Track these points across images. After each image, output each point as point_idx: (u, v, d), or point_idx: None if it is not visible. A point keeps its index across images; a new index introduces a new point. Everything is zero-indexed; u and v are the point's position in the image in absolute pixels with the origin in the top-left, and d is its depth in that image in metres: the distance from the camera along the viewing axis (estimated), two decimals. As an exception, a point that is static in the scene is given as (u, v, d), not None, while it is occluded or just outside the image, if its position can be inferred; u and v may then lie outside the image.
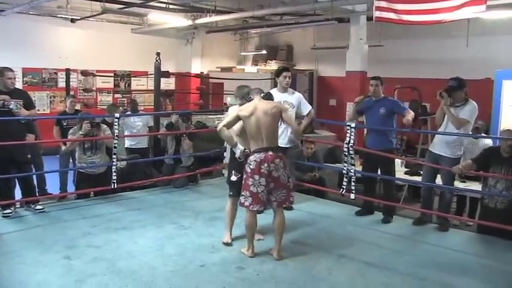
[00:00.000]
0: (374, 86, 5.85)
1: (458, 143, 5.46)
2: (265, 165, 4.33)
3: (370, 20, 9.55)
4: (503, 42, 10.22)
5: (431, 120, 9.06)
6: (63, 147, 6.95)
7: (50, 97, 12.14)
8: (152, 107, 9.72)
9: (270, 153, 4.38)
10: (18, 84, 8.70)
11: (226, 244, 4.79)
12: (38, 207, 5.74)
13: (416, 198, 7.47)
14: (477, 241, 5.26)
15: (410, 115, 5.71)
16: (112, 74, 13.19)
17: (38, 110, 8.99)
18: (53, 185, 7.20)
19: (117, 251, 4.57)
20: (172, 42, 13.81)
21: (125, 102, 12.80)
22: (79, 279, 3.95)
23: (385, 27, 10.14)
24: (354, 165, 5.95)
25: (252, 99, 4.60)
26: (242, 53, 15.31)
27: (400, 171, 7.19)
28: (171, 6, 10.81)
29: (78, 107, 8.43)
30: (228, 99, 7.94)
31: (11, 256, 4.39)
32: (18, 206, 5.84)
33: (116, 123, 6.19)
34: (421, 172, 6.24)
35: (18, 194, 5.89)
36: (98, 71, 12.51)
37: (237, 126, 4.58)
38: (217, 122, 4.77)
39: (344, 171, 6.00)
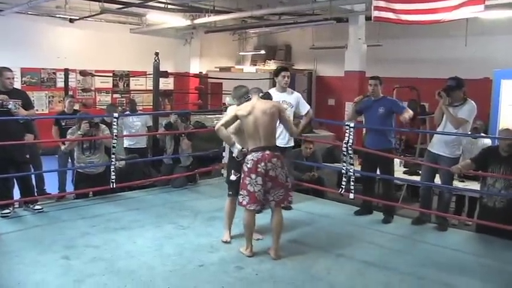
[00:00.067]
0: (373, 85, 5.85)
1: (457, 143, 5.47)
2: (262, 164, 4.33)
3: (368, 19, 9.58)
4: (502, 42, 10.22)
5: (430, 120, 9.09)
6: (62, 147, 6.94)
7: (49, 97, 12.12)
8: (151, 107, 9.71)
9: (267, 152, 4.38)
10: (17, 84, 8.69)
11: (225, 242, 4.81)
12: (37, 207, 5.74)
13: (415, 197, 7.48)
14: (476, 240, 5.26)
15: (408, 114, 5.72)
16: (111, 74, 13.18)
17: (37, 110, 9.01)
18: (51, 185, 7.20)
19: (116, 251, 4.57)
20: (171, 42, 13.80)
21: (124, 102, 12.80)
22: (78, 279, 3.95)
23: (384, 27, 10.15)
24: (352, 164, 5.95)
25: (250, 99, 4.61)
26: (241, 53, 15.31)
27: (398, 170, 7.20)
28: (169, 6, 10.80)
29: (76, 107, 8.42)
30: (227, 99, 7.94)
31: (9, 256, 4.39)
32: (16, 206, 5.83)
33: (114, 123, 6.19)
34: (420, 172, 6.24)
35: (16, 194, 5.88)
36: (96, 71, 12.50)
37: (235, 125, 4.58)
38: (215, 121, 4.78)
39: (343, 171, 6.00)
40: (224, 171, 6.69)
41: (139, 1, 10.18)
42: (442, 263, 4.51)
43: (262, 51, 14.77)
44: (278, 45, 15.26)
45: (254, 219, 4.55)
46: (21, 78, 11.46)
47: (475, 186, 5.98)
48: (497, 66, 7.60)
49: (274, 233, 4.54)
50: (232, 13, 10.93)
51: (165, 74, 10.44)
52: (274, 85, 6.05)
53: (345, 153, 5.92)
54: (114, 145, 6.18)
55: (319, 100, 14.01)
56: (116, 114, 6.36)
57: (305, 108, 5.97)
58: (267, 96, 4.86)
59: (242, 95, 4.72)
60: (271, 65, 13.83)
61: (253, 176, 4.35)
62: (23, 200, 5.81)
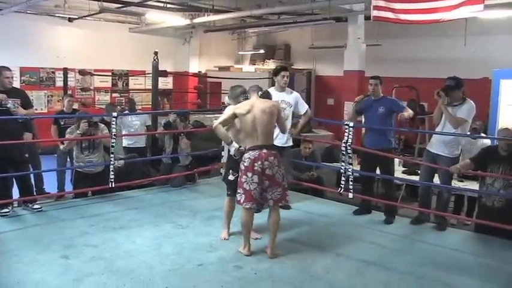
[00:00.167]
0: (373, 85, 5.85)
1: (456, 143, 5.47)
2: (259, 162, 4.34)
3: (368, 19, 9.54)
4: (501, 42, 10.22)
5: (429, 120, 9.09)
6: (61, 147, 6.94)
7: (48, 96, 12.11)
8: (150, 106, 9.72)
9: (264, 151, 4.39)
10: (16, 84, 8.69)
11: (224, 240, 4.86)
12: (36, 206, 5.74)
13: (414, 197, 7.48)
14: (475, 240, 5.26)
15: (408, 113, 5.73)
16: (110, 73, 13.16)
17: (36, 109, 9.00)
18: (50, 184, 7.19)
19: (115, 250, 4.57)
20: (170, 41, 13.79)
21: (123, 101, 12.79)
22: (77, 278, 3.95)
23: (383, 27, 10.15)
24: (351, 164, 5.95)
25: (247, 99, 4.61)
26: (240, 52, 15.29)
27: (398, 170, 7.20)
28: (168, 6, 10.79)
29: (75, 106, 8.41)
30: (226, 99, 7.92)
31: (8, 255, 4.39)
32: (15, 205, 5.83)
33: (113, 123, 6.18)
34: (419, 171, 6.25)
35: (15, 193, 5.88)
36: (95, 70, 12.49)
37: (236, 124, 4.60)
38: (214, 121, 4.78)
39: (342, 171, 6.00)
40: (223, 171, 6.68)
41: (139, 0, 10.18)
42: (441, 263, 4.52)
43: (262, 51, 14.76)
44: (277, 44, 15.25)
45: (252, 218, 4.56)
46: (20, 77, 11.45)
47: (474, 186, 5.98)
48: (497, 66, 7.60)
49: (271, 231, 4.55)
50: (231, 12, 10.92)
51: (164, 74, 10.43)
52: (273, 84, 6.05)
53: (344, 152, 5.92)
54: (113, 144, 6.18)
55: (318, 100, 14.01)
56: (114, 114, 6.36)
57: (304, 108, 5.99)
58: (267, 95, 4.86)
59: (238, 95, 4.73)
60: (270, 65, 13.82)
61: (249, 174, 4.35)
62: (22, 199, 5.80)
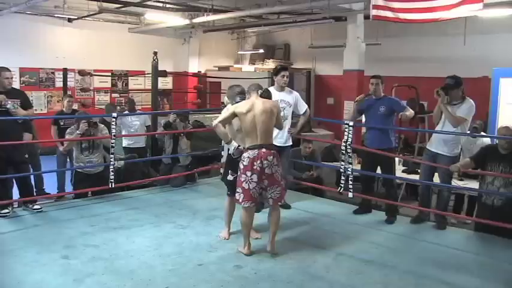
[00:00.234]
0: (374, 84, 5.83)
1: (456, 141, 5.47)
2: (258, 162, 4.35)
3: (367, 18, 9.53)
4: (501, 40, 10.22)
5: (429, 119, 9.09)
6: (61, 148, 6.95)
7: (47, 97, 12.12)
8: (150, 106, 9.71)
9: (264, 150, 4.40)
10: (16, 84, 8.71)
11: (224, 239, 4.88)
12: (36, 207, 5.74)
13: (413, 196, 7.49)
14: (475, 239, 5.26)
15: (409, 112, 5.73)
16: (109, 74, 13.17)
17: (36, 110, 9.00)
18: (50, 184, 7.20)
19: (115, 250, 4.57)
20: (170, 41, 13.80)
21: (123, 101, 12.79)
22: (77, 278, 3.95)
23: (383, 26, 10.15)
24: (351, 163, 5.95)
25: (244, 99, 4.62)
26: (239, 52, 15.30)
27: (397, 169, 7.19)
28: (168, 6, 10.80)
29: (75, 106, 8.42)
30: (225, 98, 7.93)
31: (8, 256, 4.39)
32: (15, 205, 5.83)
33: (113, 123, 6.18)
34: (419, 170, 6.24)
35: (16, 193, 5.88)
36: (95, 71, 12.49)
37: (236, 123, 4.60)
38: (214, 120, 4.80)
39: (342, 170, 6.00)
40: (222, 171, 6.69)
41: (138, 0, 10.17)
42: (440, 262, 4.52)
43: (261, 50, 14.76)
44: (277, 44, 15.25)
45: (252, 217, 4.57)
46: (20, 78, 11.47)
47: (474, 184, 5.98)
48: (496, 65, 7.59)
49: (271, 229, 4.58)
50: (230, 12, 10.91)
51: (164, 74, 10.44)
52: (273, 84, 6.05)
53: (343, 152, 5.92)
54: (113, 145, 6.18)
55: (318, 99, 14.02)
56: (114, 114, 6.36)
57: (303, 107, 5.99)
58: (267, 93, 4.87)
59: (236, 94, 4.74)
60: (270, 64, 13.82)
61: (248, 173, 4.36)
62: (22, 199, 5.80)
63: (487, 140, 6.54)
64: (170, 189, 6.92)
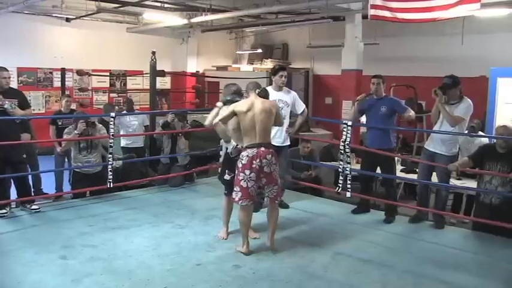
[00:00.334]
0: (376, 84, 5.80)
1: (454, 141, 5.48)
2: (257, 160, 4.37)
3: (365, 18, 9.56)
4: (498, 40, 10.24)
5: (427, 118, 9.09)
6: (58, 149, 6.94)
7: (45, 97, 12.09)
8: (148, 106, 9.71)
9: (262, 149, 4.42)
10: (13, 84, 8.66)
11: (223, 239, 4.88)
12: (34, 207, 5.73)
13: (412, 196, 7.50)
14: (473, 238, 5.27)
15: (411, 113, 5.74)
16: (107, 74, 13.14)
17: (34, 110, 8.99)
18: (48, 184, 7.19)
19: (114, 250, 4.57)
20: (168, 41, 13.78)
21: (121, 101, 12.77)
22: (75, 278, 3.95)
23: (381, 26, 10.15)
24: (349, 163, 5.95)
25: (237, 101, 4.63)
26: (238, 52, 15.29)
27: (396, 169, 7.20)
28: (166, 5, 10.78)
29: (73, 106, 8.41)
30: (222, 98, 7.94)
31: (7, 256, 4.39)
32: (13, 206, 5.82)
33: (111, 123, 6.18)
34: (417, 170, 6.25)
35: (13, 194, 5.88)
36: (93, 71, 12.46)
37: (233, 122, 4.61)
38: (207, 119, 4.83)
39: (340, 170, 6.00)
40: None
41: (136, 0, 10.16)
42: (439, 261, 4.53)
43: (259, 50, 14.75)
44: (275, 44, 15.24)
45: (250, 216, 4.58)
46: (18, 77, 11.42)
47: (472, 184, 5.99)
48: (494, 64, 7.61)
49: (270, 223, 4.62)
50: (229, 12, 10.90)
51: (162, 73, 10.42)
52: (271, 84, 6.05)
53: (342, 151, 5.92)
54: (111, 144, 6.18)
55: (316, 99, 14.02)
56: (113, 114, 6.35)
57: (301, 107, 5.99)
58: (264, 93, 4.88)
59: (232, 93, 4.78)
60: (268, 64, 13.81)
61: (247, 172, 4.38)
62: (20, 200, 5.79)
63: (485, 139, 6.55)
64: (168, 189, 6.92)
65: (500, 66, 7.47)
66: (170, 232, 5.11)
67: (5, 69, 5.56)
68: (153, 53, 8.60)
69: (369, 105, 5.90)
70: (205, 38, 14.15)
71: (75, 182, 6.37)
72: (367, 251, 4.76)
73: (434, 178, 5.72)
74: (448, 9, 5.67)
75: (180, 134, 7.14)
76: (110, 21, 12.36)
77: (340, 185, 6.01)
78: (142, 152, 8.09)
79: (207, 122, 4.86)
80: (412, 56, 11.56)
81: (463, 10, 5.58)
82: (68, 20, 11.78)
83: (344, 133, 5.89)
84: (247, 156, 4.39)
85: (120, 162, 6.87)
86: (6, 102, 5.39)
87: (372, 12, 6.17)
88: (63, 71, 11.15)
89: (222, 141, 5.17)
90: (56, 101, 11.76)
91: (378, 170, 5.95)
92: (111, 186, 6.21)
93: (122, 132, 7.76)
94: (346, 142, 5.86)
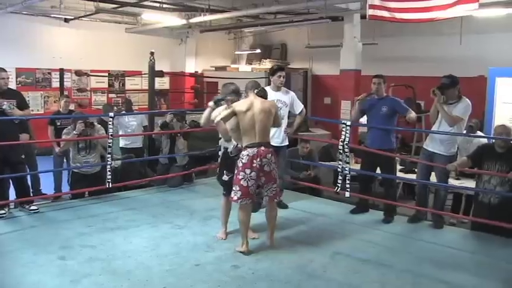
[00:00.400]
0: (377, 84, 5.79)
1: (452, 141, 5.49)
2: (258, 159, 4.39)
3: (364, 18, 9.56)
4: (496, 40, 10.25)
5: (425, 118, 9.10)
6: (57, 149, 6.93)
7: (44, 97, 12.08)
8: (146, 106, 9.71)
9: (262, 148, 4.45)
10: (12, 85, 8.66)
11: (221, 239, 4.89)
12: (32, 207, 5.72)
13: (410, 195, 7.50)
14: (472, 238, 5.28)
15: (412, 114, 5.72)
16: (106, 74, 13.15)
17: (32, 110, 8.98)
18: (47, 185, 7.18)
19: (112, 250, 4.57)
20: (167, 41, 13.78)
21: (119, 101, 12.77)
22: (74, 279, 3.94)
23: (379, 26, 10.15)
24: (348, 163, 5.95)
25: (228, 102, 4.64)
26: (236, 52, 15.29)
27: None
28: (165, 6, 10.78)
29: (72, 107, 8.40)
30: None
31: (5, 257, 4.38)
32: (12, 206, 5.82)
33: (110, 123, 6.18)
34: (416, 170, 6.25)
35: (12, 194, 5.87)
36: (92, 71, 12.48)
37: (232, 122, 4.61)
38: (202, 117, 4.89)
39: (339, 170, 6.00)
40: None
41: (135, 1, 10.16)
42: (438, 261, 4.53)
43: (258, 50, 14.75)
44: (274, 44, 15.24)
45: (249, 215, 4.59)
46: (16, 78, 11.41)
47: (471, 183, 5.99)
48: (492, 64, 7.61)
49: (269, 224, 4.65)
50: (227, 12, 10.90)
51: (161, 74, 10.42)
52: (269, 84, 6.05)
53: (341, 151, 5.92)
54: (110, 145, 6.17)
55: (315, 99, 14.02)
56: (111, 114, 6.35)
57: (299, 107, 5.99)
58: (263, 92, 4.88)
59: (230, 93, 4.78)
60: (267, 64, 13.81)
61: (247, 171, 4.39)
62: (19, 200, 5.79)
63: (483, 139, 6.56)
64: (167, 190, 6.92)
65: (499, 66, 7.48)
66: (169, 232, 5.11)
67: (4, 70, 5.55)
68: (152, 53, 8.60)
69: (369, 105, 5.89)
70: (203, 38, 14.15)
71: (74, 182, 6.38)
72: (366, 250, 4.76)
73: (433, 178, 5.72)
74: (446, 9, 5.68)
75: (179, 134, 7.14)
76: (109, 22, 12.36)
77: (339, 185, 6.01)
78: (141, 152, 8.09)
79: (202, 123, 4.91)
80: (411, 56, 11.57)
81: (461, 10, 5.59)
82: (66, 20, 11.79)
83: (343, 133, 5.89)
84: (248, 155, 4.41)
85: (119, 162, 6.86)
86: (5, 102, 5.38)
87: (370, 12, 6.17)
88: (61, 71, 11.17)
89: (220, 141, 5.16)
90: (54, 102, 11.76)
91: (378, 170, 5.95)
92: (110, 186, 6.21)
93: (120, 133, 7.76)
94: (345, 142, 5.85)
